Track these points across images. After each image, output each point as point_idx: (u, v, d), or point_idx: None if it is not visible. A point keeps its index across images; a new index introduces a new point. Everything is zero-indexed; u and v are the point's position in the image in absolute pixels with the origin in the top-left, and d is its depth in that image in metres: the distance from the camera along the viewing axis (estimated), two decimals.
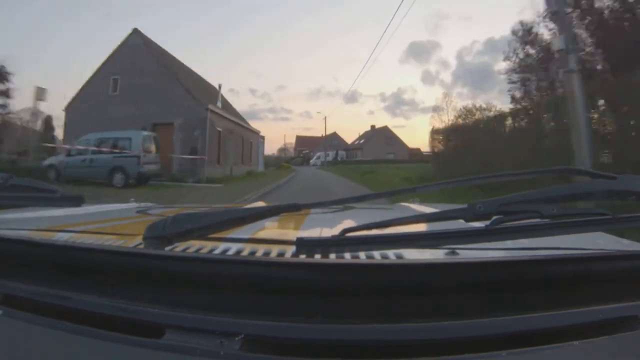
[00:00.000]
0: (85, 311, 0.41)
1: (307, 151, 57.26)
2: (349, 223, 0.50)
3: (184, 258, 0.47)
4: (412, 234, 0.48)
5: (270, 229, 0.84)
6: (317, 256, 0.52)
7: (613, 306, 0.40)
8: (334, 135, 60.09)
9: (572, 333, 0.37)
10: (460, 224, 0.52)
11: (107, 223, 0.95)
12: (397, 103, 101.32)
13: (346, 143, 59.74)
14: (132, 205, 1.39)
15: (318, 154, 52.37)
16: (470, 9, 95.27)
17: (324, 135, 47.60)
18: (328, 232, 0.50)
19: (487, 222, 0.48)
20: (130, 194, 6.27)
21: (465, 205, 0.49)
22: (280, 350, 0.36)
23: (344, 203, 0.56)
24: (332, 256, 0.55)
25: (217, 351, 0.35)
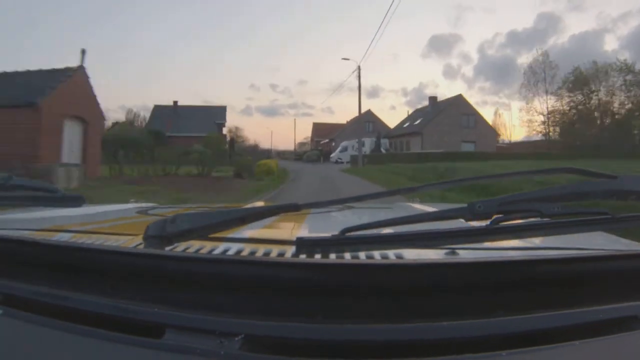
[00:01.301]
0: (85, 311, 0.41)
1: (326, 141, 43.69)
2: (348, 223, 0.49)
3: (183, 258, 0.47)
4: (412, 233, 0.48)
5: (270, 228, 0.84)
6: (317, 256, 0.52)
7: (613, 306, 0.40)
8: (369, 113, 39.20)
9: (572, 333, 0.37)
10: (460, 224, 0.52)
11: (107, 223, 0.95)
12: (419, 98, 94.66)
13: (387, 127, 40.28)
14: (132, 205, 1.39)
15: (344, 143, 34.94)
16: (492, 0, 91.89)
17: (358, 110, 26.20)
18: (328, 231, 0.50)
19: (487, 222, 0.48)
20: None
21: (465, 205, 0.49)
22: (280, 350, 0.36)
23: (343, 203, 0.56)
24: (332, 256, 0.55)
25: (217, 351, 0.35)
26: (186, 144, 20.21)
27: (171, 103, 35.89)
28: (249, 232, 0.71)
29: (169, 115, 33.18)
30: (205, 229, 0.52)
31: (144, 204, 1.43)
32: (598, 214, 0.49)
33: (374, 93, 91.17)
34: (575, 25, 74.58)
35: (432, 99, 36.06)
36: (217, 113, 34.45)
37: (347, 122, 42.11)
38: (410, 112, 40.63)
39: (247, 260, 0.49)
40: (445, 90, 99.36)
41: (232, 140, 34.66)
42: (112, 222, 0.97)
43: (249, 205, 0.86)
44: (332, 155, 36.10)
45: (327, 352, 0.36)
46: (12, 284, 0.46)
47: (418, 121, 33.73)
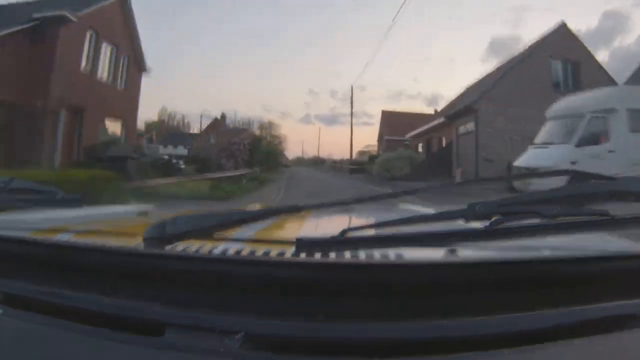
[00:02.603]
0: (85, 310, 0.41)
1: (407, 139, 23.89)
2: (348, 223, 0.50)
3: (184, 257, 0.47)
4: (412, 234, 0.48)
5: (270, 229, 0.84)
6: (317, 255, 0.52)
7: (613, 305, 0.40)
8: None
9: (572, 332, 0.37)
10: (460, 225, 0.52)
11: (107, 224, 0.95)
12: None
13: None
14: (132, 206, 1.39)
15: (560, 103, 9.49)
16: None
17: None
18: (328, 232, 0.50)
19: (487, 223, 0.48)
20: None
21: (465, 206, 0.49)
22: (280, 348, 0.36)
23: (344, 204, 0.57)
24: (332, 256, 0.55)
25: (217, 349, 0.35)
26: None
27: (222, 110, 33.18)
28: (249, 232, 0.71)
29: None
30: (205, 230, 0.52)
31: (143, 205, 1.43)
32: (598, 215, 0.49)
33: (434, 101, 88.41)
34: None
35: None
36: None
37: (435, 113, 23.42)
38: None
39: (246, 260, 0.49)
40: None
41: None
42: (112, 223, 0.97)
43: (249, 208, 0.87)
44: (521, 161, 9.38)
45: (327, 351, 0.36)
46: (12, 283, 0.46)
47: None
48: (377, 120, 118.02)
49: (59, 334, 0.38)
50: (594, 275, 0.44)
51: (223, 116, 39.45)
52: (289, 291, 0.41)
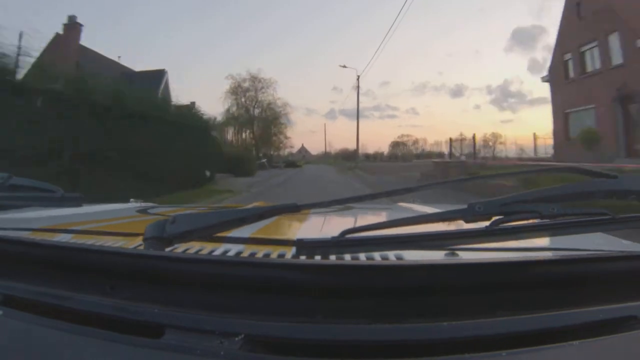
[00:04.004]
0: (85, 311, 0.41)
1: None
2: (349, 223, 0.50)
3: (184, 259, 0.47)
4: (412, 235, 0.48)
5: (270, 229, 0.84)
6: (317, 257, 0.52)
7: (613, 306, 0.40)
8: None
9: (572, 333, 0.37)
10: (460, 225, 0.52)
11: (107, 223, 0.95)
12: (504, 95, 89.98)
13: None
14: (132, 204, 1.39)
15: None
16: None
17: None
18: (328, 232, 0.50)
19: (487, 223, 0.48)
20: None
21: (465, 206, 0.49)
22: (280, 350, 0.36)
23: (343, 203, 0.56)
24: (332, 257, 0.55)
25: (217, 351, 0.35)
26: None
27: None
28: (249, 232, 0.71)
29: None
30: (205, 229, 0.52)
31: (143, 204, 1.42)
32: (598, 215, 0.49)
33: (458, 92, 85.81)
34: None
35: None
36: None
37: None
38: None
39: (247, 262, 0.49)
40: (531, 87, 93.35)
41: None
42: (112, 222, 0.97)
43: (249, 206, 0.86)
44: None
45: (327, 352, 0.36)
46: (12, 284, 0.46)
47: None
48: (401, 111, 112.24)
49: (59, 335, 0.38)
50: (594, 275, 0.44)
51: None
52: (289, 293, 0.41)
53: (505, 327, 0.38)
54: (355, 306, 0.40)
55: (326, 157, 56.37)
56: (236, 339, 0.36)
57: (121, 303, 0.41)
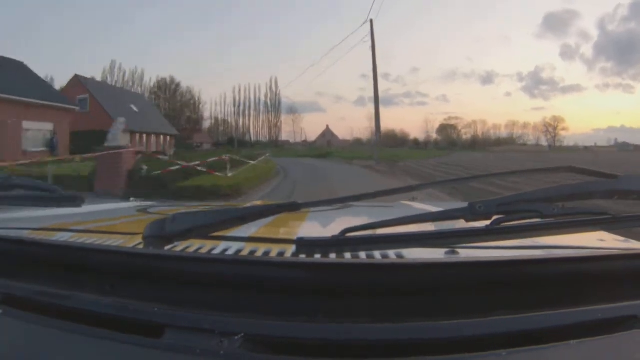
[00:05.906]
0: (85, 311, 0.41)
1: None
2: (349, 222, 0.49)
3: (183, 258, 0.47)
4: (413, 233, 0.48)
5: (270, 228, 0.84)
6: (317, 256, 0.52)
7: (613, 306, 0.40)
8: None
9: (571, 333, 0.37)
10: (460, 224, 0.52)
11: (107, 222, 0.95)
12: (536, 83, 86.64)
13: None
14: (132, 203, 1.39)
15: None
16: None
17: None
18: (328, 231, 0.49)
19: (488, 222, 0.48)
20: None
21: (465, 205, 0.49)
22: (280, 349, 0.36)
23: (343, 202, 0.56)
24: (333, 256, 0.55)
25: (217, 350, 0.35)
26: None
27: None
28: (248, 231, 0.71)
29: None
30: (205, 228, 0.52)
31: (143, 202, 1.42)
32: (598, 214, 0.49)
33: (489, 79, 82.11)
34: None
35: None
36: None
37: None
38: None
39: (247, 261, 0.49)
40: (564, 74, 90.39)
41: None
42: (112, 221, 0.97)
43: (248, 205, 0.86)
44: None
45: (327, 352, 0.36)
46: (12, 284, 0.46)
47: None
48: (431, 98, 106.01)
49: (59, 334, 0.38)
50: (595, 274, 0.44)
51: None
52: (289, 292, 0.41)
53: (506, 326, 0.38)
54: (355, 305, 0.40)
55: (356, 145, 49.23)
56: (236, 338, 0.36)
57: (121, 302, 0.41)
